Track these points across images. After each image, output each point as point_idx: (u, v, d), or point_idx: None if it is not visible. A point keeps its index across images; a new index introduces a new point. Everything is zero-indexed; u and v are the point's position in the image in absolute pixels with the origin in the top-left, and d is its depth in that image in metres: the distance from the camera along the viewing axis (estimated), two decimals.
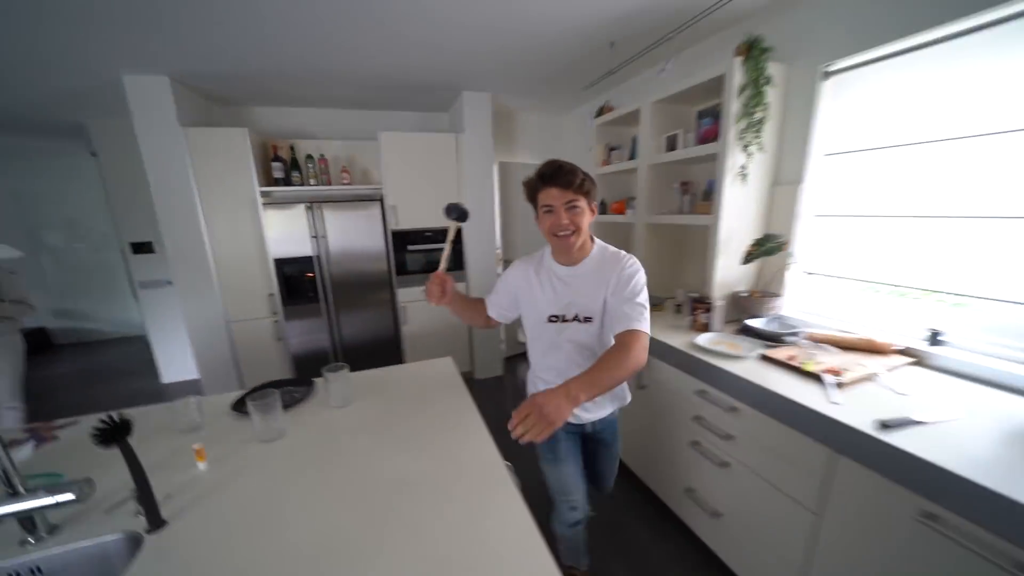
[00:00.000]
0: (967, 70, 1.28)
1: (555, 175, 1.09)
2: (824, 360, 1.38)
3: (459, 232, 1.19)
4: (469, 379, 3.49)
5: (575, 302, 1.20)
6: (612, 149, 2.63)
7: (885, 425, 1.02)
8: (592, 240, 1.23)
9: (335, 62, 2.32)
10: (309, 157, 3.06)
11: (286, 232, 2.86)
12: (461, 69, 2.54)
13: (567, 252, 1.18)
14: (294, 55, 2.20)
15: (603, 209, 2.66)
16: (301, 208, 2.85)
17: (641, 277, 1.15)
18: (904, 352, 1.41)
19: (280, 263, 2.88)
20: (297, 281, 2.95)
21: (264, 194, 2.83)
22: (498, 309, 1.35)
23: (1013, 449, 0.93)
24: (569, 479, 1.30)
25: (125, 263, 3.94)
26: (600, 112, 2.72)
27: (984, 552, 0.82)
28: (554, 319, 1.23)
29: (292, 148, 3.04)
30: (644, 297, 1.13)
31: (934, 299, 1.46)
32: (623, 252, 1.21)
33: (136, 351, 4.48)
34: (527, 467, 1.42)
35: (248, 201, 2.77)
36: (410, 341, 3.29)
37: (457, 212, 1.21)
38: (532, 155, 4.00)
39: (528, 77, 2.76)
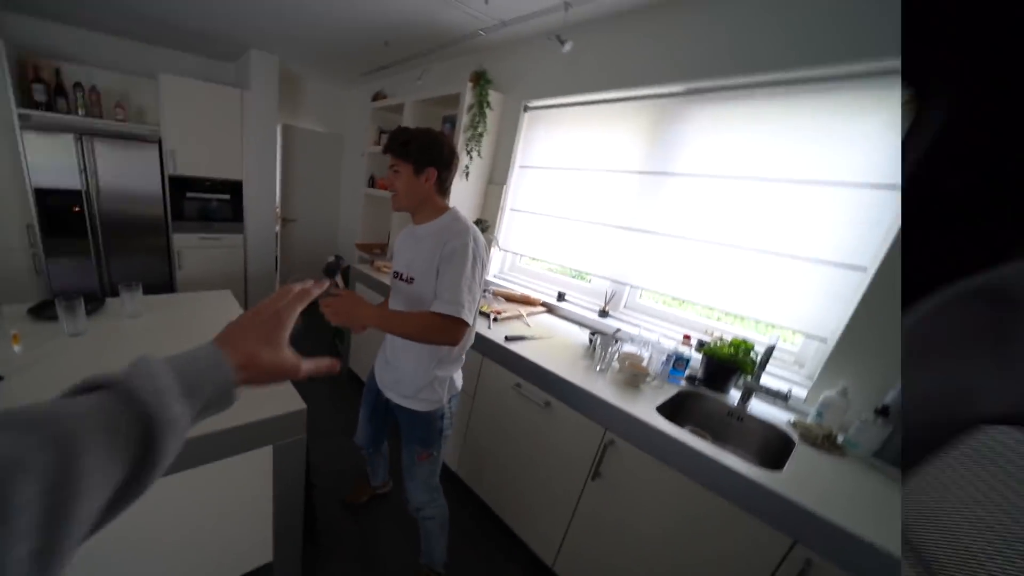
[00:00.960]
0: (599, 128, 2.01)
1: (388, 141, 1.15)
2: (495, 306, 2.01)
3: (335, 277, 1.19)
4: None
5: (413, 261, 1.20)
6: (383, 132, 2.92)
7: (507, 338, 1.65)
8: (448, 207, 1.20)
9: None
10: (78, 85, 2.74)
11: (50, 161, 2.62)
12: (248, 28, 2.51)
13: (404, 212, 1.21)
14: None
15: (371, 183, 2.92)
16: (69, 138, 2.62)
17: (465, 254, 1.09)
18: (544, 304, 2.20)
19: (42, 193, 2.63)
20: (62, 215, 2.73)
21: (23, 117, 2.53)
22: None
23: (563, 352, 1.67)
24: (359, 418, 1.53)
25: None
26: (376, 97, 2.97)
27: (534, 399, 1.49)
28: (396, 275, 1.26)
29: (58, 72, 2.69)
30: (460, 277, 1.07)
31: (568, 273, 2.31)
32: (467, 225, 1.15)
33: None
34: None
35: (3, 122, 2.45)
36: (184, 287, 3.15)
37: (332, 270, 1.22)
38: (317, 123, 3.92)
39: (314, 52, 2.87)
